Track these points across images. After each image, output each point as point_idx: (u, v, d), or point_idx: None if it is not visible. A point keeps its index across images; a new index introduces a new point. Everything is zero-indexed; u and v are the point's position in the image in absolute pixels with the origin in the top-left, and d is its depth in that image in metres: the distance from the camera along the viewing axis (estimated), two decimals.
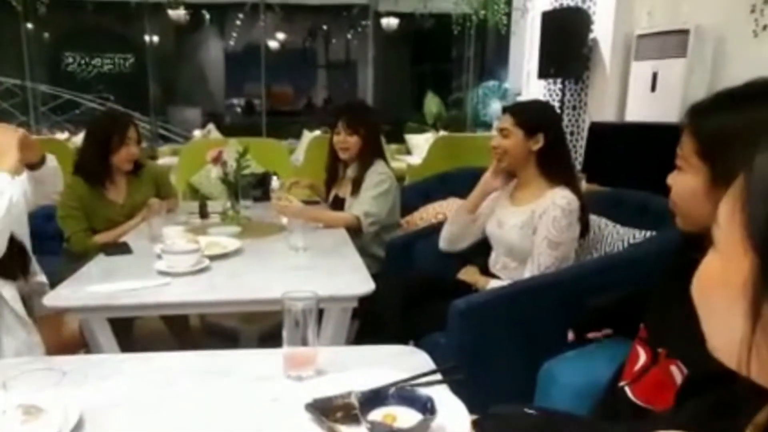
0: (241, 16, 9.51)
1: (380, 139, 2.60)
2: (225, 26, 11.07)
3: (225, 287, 1.62)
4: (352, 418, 0.89)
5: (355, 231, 2.28)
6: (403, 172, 5.65)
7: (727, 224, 0.42)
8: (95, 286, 1.59)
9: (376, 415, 0.88)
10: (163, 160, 5.82)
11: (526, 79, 5.60)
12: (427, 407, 0.86)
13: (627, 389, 0.95)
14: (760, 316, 0.39)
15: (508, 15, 5.97)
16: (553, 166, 1.82)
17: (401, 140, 6.85)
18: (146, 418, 0.95)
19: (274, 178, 2.51)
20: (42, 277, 1.73)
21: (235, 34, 11.18)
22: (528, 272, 1.74)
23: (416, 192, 3.09)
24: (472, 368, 1.45)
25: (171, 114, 9.29)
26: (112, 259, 1.89)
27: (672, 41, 3.82)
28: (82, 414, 0.92)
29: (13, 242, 1.47)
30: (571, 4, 4.82)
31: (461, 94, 7.84)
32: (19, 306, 1.50)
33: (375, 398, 0.90)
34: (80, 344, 1.69)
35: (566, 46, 4.65)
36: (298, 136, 6.68)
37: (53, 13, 6.71)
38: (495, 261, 1.96)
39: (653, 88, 4.00)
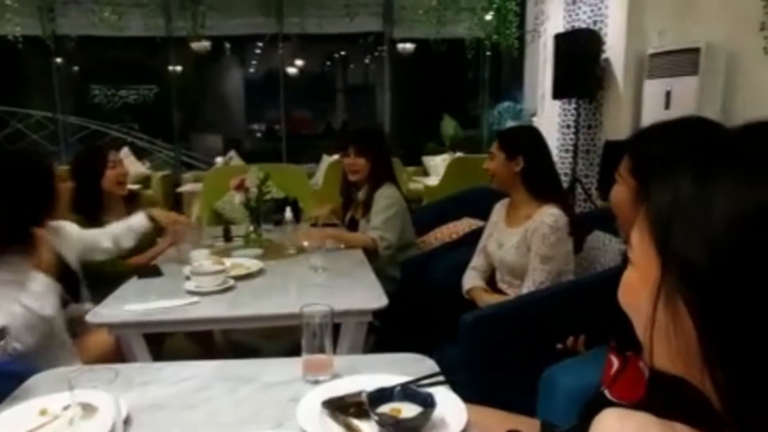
0: (260, 44, 9.88)
1: (390, 162, 2.77)
2: (245, 55, 11.50)
3: (249, 305, 1.78)
4: (363, 413, 1.03)
5: (372, 253, 2.43)
6: (421, 193, 5.82)
7: (638, 244, 0.56)
8: (131, 305, 1.76)
9: (384, 409, 1.01)
10: (187, 187, 6.07)
11: (541, 100, 5.73)
12: (428, 402, 1.00)
13: (606, 392, 1.07)
14: (657, 308, 0.52)
15: (520, 38, 6.15)
16: (538, 186, 1.98)
17: (419, 162, 7.02)
18: (184, 416, 1.10)
19: (288, 209, 2.68)
20: (89, 305, 1.92)
21: (254, 62, 11.60)
22: (525, 288, 1.89)
23: (432, 212, 3.23)
24: (480, 375, 1.57)
25: (193, 141, 9.63)
26: (144, 281, 2.06)
27: (683, 59, 3.93)
28: (130, 413, 1.08)
29: (69, 271, 1.66)
30: (583, 26, 4.97)
31: (477, 116, 8.01)
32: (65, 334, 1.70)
33: (382, 395, 1.04)
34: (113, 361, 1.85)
35: (579, 66, 4.78)
36: (317, 159, 6.90)
37: (81, 48, 7.12)
38: (500, 279, 2.09)
39: (667, 105, 4.10)
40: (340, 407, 1.05)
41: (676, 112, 3.97)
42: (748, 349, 0.46)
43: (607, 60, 4.75)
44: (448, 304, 2.06)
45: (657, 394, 0.78)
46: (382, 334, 2.05)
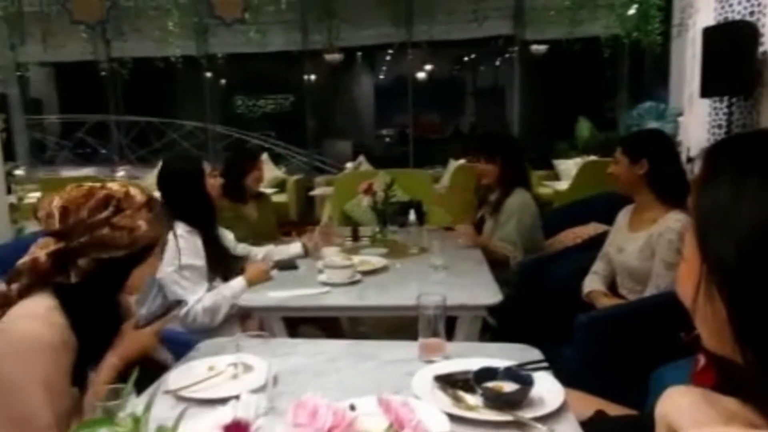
0: (390, 51, 10.33)
1: (521, 166, 2.91)
2: (375, 63, 12.09)
3: (373, 296, 2.03)
4: (469, 388, 1.19)
5: (501, 262, 2.60)
6: (550, 197, 5.78)
7: (688, 241, 0.69)
8: (273, 293, 2.08)
9: (488, 385, 1.17)
10: (319, 190, 6.58)
11: (689, 99, 5.43)
12: (527, 381, 1.14)
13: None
14: (699, 297, 0.65)
15: (663, 34, 5.87)
16: (664, 190, 1.98)
17: (549, 166, 6.94)
18: (317, 380, 1.35)
19: (412, 212, 2.91)
20: None
21: (384, 68, 12.15)
22: (648, 294, 1.90)
23: (560, 216, 3.28)
24: (591, 373, 1.66)
25: (325, 147, 10.32)
26: (283, 273, 2.39)
27: None
28: (276, 374, 1.34)
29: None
30: (737, 17, 4.65)
31: (614, 117, 7.72)
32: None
33: (487, 374, 1.20)
34: None
35: (732, 61, 4.48)
36: (444, 163, 7.10)
37: (228, 63, 8.00)
38: (621, 284, 2.13)
39: None
40: (449, 382, 1.22)
41: None
42: None
43: (765, 53, 4.41)
44: (566, 306, 2.14)
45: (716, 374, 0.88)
46: (498, 332, 2.18)
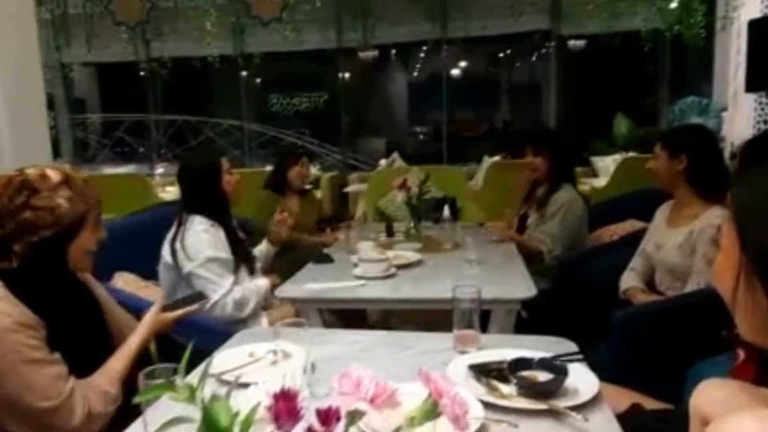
0: (424, 48, 10.34)
1: (571, 162, 2.94)
2: (409, 61, 12.10)
3: (408, 289, 2.06)
4: (503, 378, 1.22)
5: (535, 257, 2.63)
6: (588, 194, 5.70)
7: (726, 232, 0.70)
8: (309, 285, 2.13)
9: (522, 374, 1.19)
10: (352, 187, 6.65)
11: (733, 94, 5.30)
12: (561, 371, 1.16)
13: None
14: (738, 288, 0.66)
15: (707, 27, 5.73)
16: (704, 185, 1.96)
17: (586, 163, 6.85)
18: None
19: (446, 207, 2.95)
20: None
21: (418, 65, 12.15)
22: (689, 291, 1.89)
23: (597, 213, 3.24)
24: (626, 369, 1.66)
25: (359, 144, 10.39)
26: (318, 266, 2.45)
27: None
28: (313, 361, 1.39)
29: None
30: None
31: (654, 113, 7.56)
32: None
33: (521, 364, 1.22)
34: None
35: None
36: (478, 160, 7.08)
37: (263, 61, 8.13)
38: (659, 281, 2.11)
39: None
40: (483, 371, 1.25)
41: None
42: None
43: None
44: (602, 302, 2.13)
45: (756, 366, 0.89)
46: (532, 326, 2.18)
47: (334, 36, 7.65)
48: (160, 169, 8.11)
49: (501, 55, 12.23)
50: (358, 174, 7.46)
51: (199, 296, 1.79)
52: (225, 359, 1.42)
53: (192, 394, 0.62)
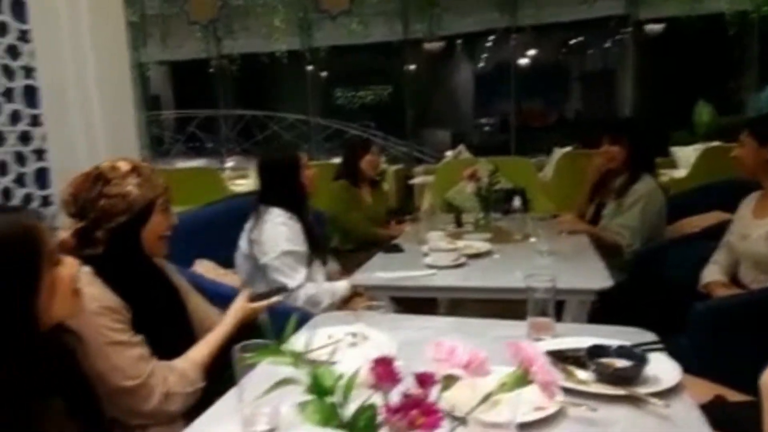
0: (491, 38, 10.22)
1: (651, 151, 2.88)
2: (475, 51, 11.98)
3: (479, 278, 2.09)
4: (579, 364, 1.23)
5: (613, 249, 2.59)
6: (666, 185, 5.49)
7: None
8: (380, 273, 2.20)
9: (601, 360, 1.20)
10: (418, 179, 6.69)
11: None
12: (641, 359, 1.16)
13: None
14: None
15: None
16: None
17: (664, 153, 6.59)
18: (425, 351, 1.43)
19: (516, 198, 2.93)
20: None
21: (485, 55, 12.01)
22: None
23: (677, 204, 3.13)
24: (706, 363, 1.62)
25: (424, 136, 10.41)
26: (389, 255, 2.51)
27: None
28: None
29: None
30: None
31: (739, 100, 7.17)
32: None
33: (599, 351, 1.23)
34: None
35: None
36: (548, 152, 6.96)
37: (329, 55, 8.30)
38: (744, 274, 2.03)
39: None
40: (560, 357, 1.26)
41: None
42: None
43: None
44: (679, 296, 2.08)
45: None
46: (607, 318, 2.16)
47: (400, 28, 7.70)
48: (230, 163, 8.45)
49: (572, 42, 11.88)
50: (423, 166, 7.48)
51: (280, 290, 1.89)
52: (305, 340, 1.50)
53: (296, 359, 0.68)
